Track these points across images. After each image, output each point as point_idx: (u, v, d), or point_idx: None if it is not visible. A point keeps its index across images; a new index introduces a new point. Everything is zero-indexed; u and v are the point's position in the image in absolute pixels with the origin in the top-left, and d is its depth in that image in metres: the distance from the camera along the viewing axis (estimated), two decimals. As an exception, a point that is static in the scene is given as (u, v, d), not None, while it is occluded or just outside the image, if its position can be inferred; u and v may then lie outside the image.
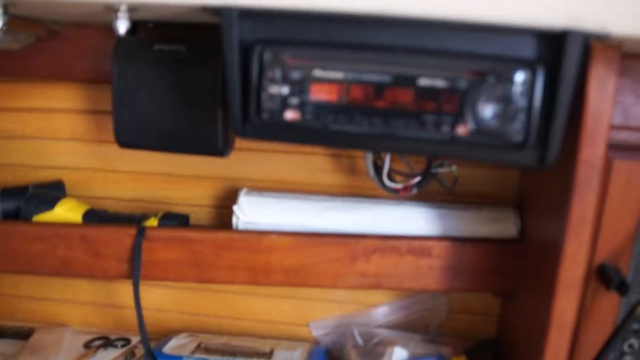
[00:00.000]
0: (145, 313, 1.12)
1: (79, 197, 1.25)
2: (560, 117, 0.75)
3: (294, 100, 0.79)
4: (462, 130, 0.77)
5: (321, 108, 0.79)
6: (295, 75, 0.79)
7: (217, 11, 0.77)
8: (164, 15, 0.93)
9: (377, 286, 1.10)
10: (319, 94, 0.79)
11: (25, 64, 1.15)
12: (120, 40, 1.03)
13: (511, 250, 1.08)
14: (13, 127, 1.26)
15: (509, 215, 1.12)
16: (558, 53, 0.73)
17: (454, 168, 1.07)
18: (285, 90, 0.79)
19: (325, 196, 1.16)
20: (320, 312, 1.29)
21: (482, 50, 0.76)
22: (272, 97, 0.79)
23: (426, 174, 1.06)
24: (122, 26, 0.86)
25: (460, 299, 1.26)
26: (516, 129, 0.75)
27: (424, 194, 1.11)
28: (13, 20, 0.87)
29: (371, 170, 1.06)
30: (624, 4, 0.68)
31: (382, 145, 0.81)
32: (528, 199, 1.10)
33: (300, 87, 0.79)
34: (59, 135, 1.25)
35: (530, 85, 0.74)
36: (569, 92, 0.74)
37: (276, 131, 0.83)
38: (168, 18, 0.98)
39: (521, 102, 0.75)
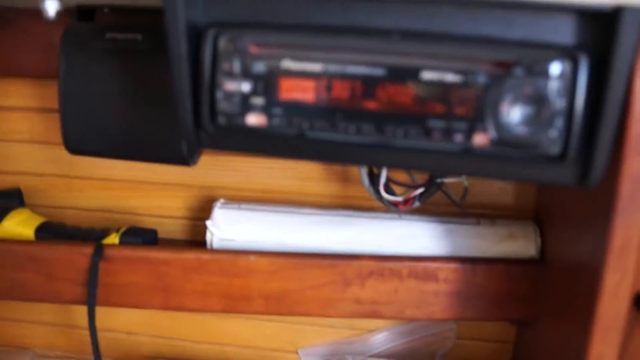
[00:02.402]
0: (112, 335, 1.00)
1: (37, 207, 1.07)
2: (609, 122, 0.55)
3: (258, 100, 0.58)
4: (480, 139, 0.55)
5: (294, 110, 0.58)
6: (260, 67, 0.57)
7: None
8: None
9: (374, 315, 0.92)
10: (291, 92, 0.57)
11: None
12: (68, 27, 0.84)
13: (530, 273, 0.90)
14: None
15: (527, 232, 0.93)
16: (607, 37, 0.53)
17: (463, 177, 0.86)
18: (246, 87, 0.58)
19: (313, 209, 0.97)
20: (310, 338, 1.10)
21: (507, 35, 0.55)
22: (230, 96, 0.58)
23: (430, 185, 0.86)
24: (50, 7, 0.66)
25: (471, 324, 1.07)
26: (552, 138, 0.55)
27: (427, 206, 0.92)
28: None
29: (365, 181, 0.86)
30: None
31: (374, 158, 0.60)
32: (550, 211, 0.91)
33: (266, 83, 0.58)
34: (15, 137, 1.06)
35: (570, 79, 0.54)
36: (621, 88, 0.54)
37: (236, 140, 0.61)
38: (121, 2, 0.78)
39: (559, 102, 0.54)
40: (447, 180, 0.86)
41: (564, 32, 0.55)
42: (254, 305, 0.91)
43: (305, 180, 1.02)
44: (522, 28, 0.55)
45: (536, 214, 0.97)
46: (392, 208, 0.88)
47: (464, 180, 0.87)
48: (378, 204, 0.89)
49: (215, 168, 1.02)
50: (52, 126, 1.03)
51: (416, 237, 0.92)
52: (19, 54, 0.95)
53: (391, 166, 0.74)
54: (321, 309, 0.91)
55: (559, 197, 0.86)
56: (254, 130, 0.59)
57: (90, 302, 0.90)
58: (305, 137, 0.58)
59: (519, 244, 0.91)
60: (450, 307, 0.90)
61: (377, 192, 0.86)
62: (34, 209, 1.04)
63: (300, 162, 1.00)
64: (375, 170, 0.86)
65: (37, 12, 0.89)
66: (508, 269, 0.89)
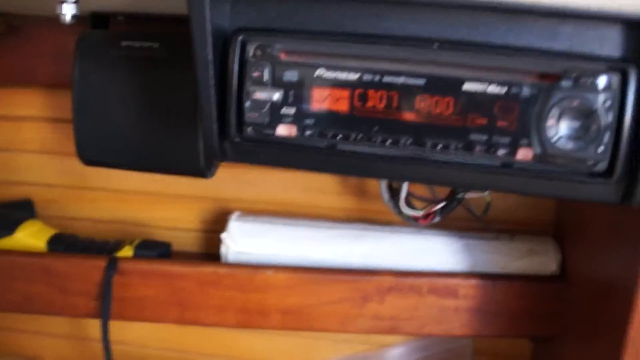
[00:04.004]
0: (124, 348, 0.95)
1: (49, 218, 1.01)
2: (658, 138, 0.50)
3: (289, 110, 0.53)
4: (523, 154, 0.50)
5: (326, 121, 0.53)
6: (291, 76, 0.52)
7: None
8: (128, 2, 0.67)
9: (392, 331, 0.87)
10: (324, 101, 0.52)
11: None
12: (83, 34, 0.79)
13: (551, 290, 0.86)
14: (-27, 138, 1.02)
15: (547, 247, 0.88)
16: None
17: (485, 193, 0.81)
18: (277, 96, 0.52)
19: (330, 222, 0.92)
20: (326, 353, 1.05)
21: (552, 46, 0.51)
22: (259, 105, 0.52)
23: (451, 199, 0.81)
24: (67, 12, 0.61)
25: (487, 340, 1.01)
26: (599, 154, 0.50)
27: (445, 220, 0.86)
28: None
29: (385, 195, 0.80)
30: None
31: (411, 173, 0.55)
32: (571, 227, 0.86)
33: (297, 92, 0.53)
34: (27, 147, 1.01)
35: (619, 93, 0.49)
36: None
37: (265, 152, 0.56)
38: (136, 8, 0.73)
39: (607, 116, 0.49)
40: (468, 195, 0.81)
41: (612, 43, 0.50)
42: (270, 321, 0.86)
43: (320, 193, 0.97)
44: (568, 39, 0.50)
45: (556, 229, 0.92)
46: (411, 222, 0.83)
47: (486, 195, 0.82)
48: (394, 217, 0.84)
49: (229, 180, 0.97)
50: (64, 136, 0.98)
51: (435, 252, 0.87)
52: (31, 63, 0.91)
53: (429, 182, 0.69)
54: (339, 325, 0.86)
55: (581, 213, 0.81)
56: (283, 142, 0.54)
57: (104, 317, 0.85)
58: (337, 150, 0.53)
59: (539, 260, 0.86)
60: (469, 324, 0.85)
61: (398, 206, 0.81)
62: (46, 220, 0.98)
63: (315, 175, 0.95)
64: (395, 185, 0.81)
65: (49, 20, 0.84)
66: (528, 285, 0.85)
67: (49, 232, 0.93)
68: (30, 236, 0.92)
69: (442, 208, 0.81)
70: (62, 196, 1.02)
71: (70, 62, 0.83)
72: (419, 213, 0.82)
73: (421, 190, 0.83)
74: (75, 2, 0.60)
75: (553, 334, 0.86)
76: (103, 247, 0.91)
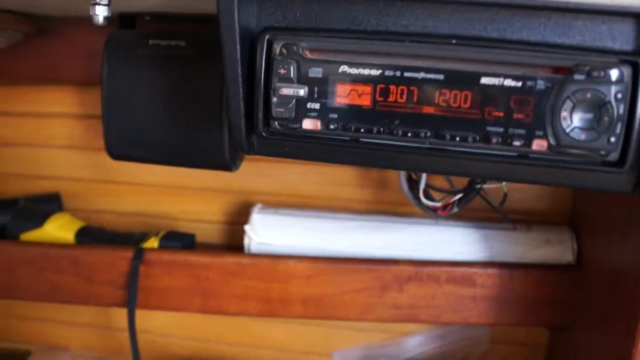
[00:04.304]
0: (148, 337, 0.97)
1: (75, 211, 1.04)
2: (668, 128, 0.52)
3: (314, 105, 0.55)
4: (539, 145, 0.52)
5: (350, 115, 0.56)
6: (316, 72, 0.55)
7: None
8: (157, 3, 0.69)
9: (411, 319, 0.90)
10: (347, 97, 0.55)
11: (12, 64, 0.96)
12: (112, 34, 0.82)
13: (567, 279, 0.87)
14: (3, 134, 1.05)
15: (563, 237, 0.90)
16: None
17: (502, 183, 0.83)
18: (302, 92, 0.55)
19: (350, 214, 0.94)
20: (344, 341, 1.07)
21: (565, 41, 0.53)
22: (285, 101, 0.55)
23: (469, 190, 0.82)
24: (100, 14, 0.64)
25: (504, 328, 1.02)
26: (611, 144, 0.52)
27: (462, 211, 0.87)
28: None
29: (405, 186, 0.82)
30: None
31: (431, 164, 0.57)
32: (587, 217, 0.88)
33: (321, 88, 0.55)
34: (55, 143, 1.04)
35: (631, 85, 0.51)
36: None
37: (290, 146, 0.59)
38: (163, 8, 0.76)
39: (619, 108, 0.51)
40: (486, 186, 0.83)
41: (623, 37, 0.52)
42: (292, 309, 0.89)
43: (340, 185, 0.99)
44: (581, 33, 0.53)
45: (572, 219, 0.94)
46: (430, 213, 0.85)
47: (503, 186, 0.84)
48: (413, 209, 0.86)
49: (251, 174, 0.99)
50: (91, 132, 1.01)
51: (453, 242, 0.89)
52: (60, 62, 0.94)
53: (448, 172, 0.71)
54: (359, 314, 0.88)
55: (597, 203, 0.83)
56: (309, 136, 0.57)
57: (131, 305, 0.88)
58: (360, 142, 0.56)
59: (555, 249, 0.88)
60: (486, 312, 0.88)
61: (417, 197, 0.83)
62: (73, 213, 1.02)
63: (334, 167, 0.97)
64: (414, 176, 0.83)
65: (77, 21, 0.88)
66: (545, 274, 0.87)
67: (76, 225, 0.97)
68: (59, 229, 0.95)
69: (460, 199, 0.84)
70: (88, 190, 1.05)
71: (98, 61, 0.86)
72: (437, 204, 0.84)
73: (440, 181, 0.85)
74: (107, 5, 0.62)
75: (569, 322, 0.87)
76: (129, 239, 0.94)
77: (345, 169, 0.98)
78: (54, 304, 1.07)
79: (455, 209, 0.84)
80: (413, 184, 0.83)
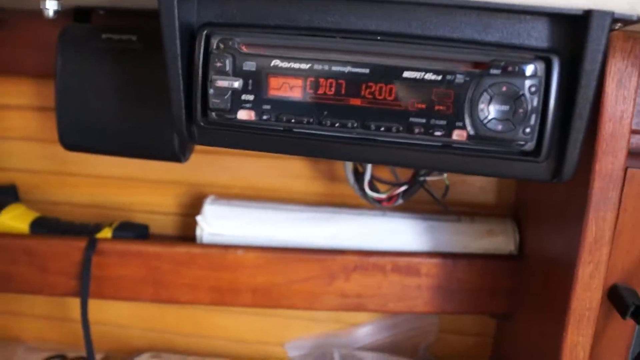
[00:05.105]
0: (105, 329, 1.00)
1: (31, 202, 1.08)
2: (581, 120, 0.57)
3: (248, 97, 0.60)
4: (459, 135, 0.57)
5: (282, 107, 0.60)
6: (250, 66, 0.59)
7: (151, -14, 0.58)
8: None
9: (358, 308, 0.94)
10: (279, 89, 0.60)
11: None
12: (65, 28, 0.85)
13: (509, 268, 0.92)
14: (-43, 125, 1.07)
15: (505, 228, 0.95)
16: (578, 39, 0.56)
17: (444, 176, 0.88)
18: (237, 84, 0.59)
19: (300, 205, 0.99)
20: (297, 331, 1.11)
21: (484, 37, 0.58)
22: (221, 92, 0.60)
23: (413, 183, 0.88)
24: (50, 7, 0.68)
25: (452, 318, 1.08)
26: (527, 135, 0.57)
27: (410, 204, 0.93)
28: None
29: (351, 178, 0.87)
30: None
31: (358, 153, 0.62)
32: (528, 209, 0.93)
33: (255, 80, 0.60)
34: (11, 134, 1.07)
35: (544, 79, 0.56)
36: (591, 87, 0.56)
37: (227, 135, 0.63)
38: (118, 4, 0.80)
39: (533, 100, 0.56)
40: (429, 178, 0.88)
41: (538, 35, 0.57)
42: (241, 298, 0.92)
43: (292, 178, 1.03)
44: (499, 31, 0.57)
45: (515, 211, 0.99)
46: (376, 205, 0.90)
47: (445, 179, 0.89)
48: (363, 202, 0.91)
49: (205, 166, 1.03)
50: (47, 124, 1.04)
51: (399, 233, 0.93)
52: (16, 53, 0.97)
53: (375, 161, 0.76)
54: (307, 302, 0.92)
55: (536, 196, 0.88)
56: (244, 126, 0.61)
57: (84, 295, 0.91)
58: (292, 132, 0.61)
59: (498, 240, 0.93)
60: (432, 301, 0.92)
61: (362, 189, 0.88)
62: (29, 204, 1.05)
63: (287, 160, 1.02)
64: (360, 168, 0.88)
65: (35, 14, 0.90)
66: (488, 264, 0.91)
67: (31, 216, 1.00)
68: (13, 219, 0.98)
69: (405, 191, 0.89)
70: (44, 181, 1.08)
71: (53, 53, 0.90)
72: (382, 196, 0.89)
73: (385, 174, 0.90)
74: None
75: (512, 310, 0.92)
76: (83, 230, 0.97)
77: (297, 162, 1.02)
78: (8, 296, 1.10)
79: (400, 201, 0.89)
80: (359, 176, 0.88)
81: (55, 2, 0.68)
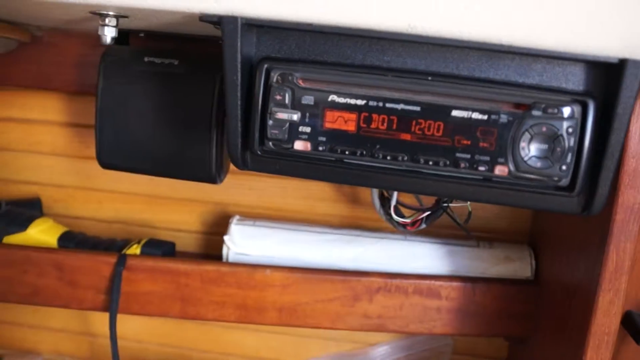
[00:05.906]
0: (122, 344, 1.00)
1: (56, 217, 1.11)
2: (612, 159, 0.64)
3: (305, 129, 0.66)
4: (500, 170, 0.63)
5: (336, 139, 0.66)
6: (308, 100, 0.65)
7: (217, 20, 0.63)
8: (158, 24, 0.78)
9: (380, 329, 0.98)
10: (334, 122, 0.65)
11: (4, 70, 1.02)
12: (108, 49, 0.90)
13: (525, 293, 0.97)
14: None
15: (523, 254, 1.00)
16: (612, 85, 0.62)
17: (467, 203, 0.93)
18: (295, 116, 0.65)
19: (324, 227, 1.03)
20: (314, 350, 1.16)
21: (526, 80, 0.65)
22: (280, 124, 0.65)
23: (437, 208, 0.92)
24: (108, 35, 0.73)
25: (466, 340, 1.13)
26: (563, 172, 0.63)
27: (429, 228, 0.97)
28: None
29: (377, 203, 0.92)
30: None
31: (406, 184, 0.67)
32: (544, 236, 0.99)
33: (312, 113, 0.66)
34: (38, 149, 1.11)
35: (580, 121, 0.63)
36: (623, 130, 0.63)
37: (282, 163, 0.69)
38: (161, 28, 0.84)
39: (570, 140, 0.63)
40: (452, 204, 0.93)
41: (575, 79, 0.63)
42: (267, 317, 0.96)
43: (316, 200, 1.08)
44: (540, 75, 0.64)
45: (531, 238, 1.04)
46: (400, 229, 0.95)
47: (468, 205, 0.95)
48: (383, 224, 0.95)
49: (230, 186, 1.07)
50: (75, 139, 1.09)
51: (420, 256, 0.99)
52: (49, 70, 1.01)
53: (421, 192, 0.81)
54: (331, 322, 0.97)
55: (553, 224, 0.93)
56: (299, 155, 0.67)
57: (113, 310, 0.95)
58: (343, 163, 0.66)
59: (515, 265, 0.98)
60: (450, 323, 0.97)
61: (388, 214, 0.93)
62: (52, 218, 1.07)
63: (311, 183, 1.06)
64: (385, 194, 0.93)
65: (68, 32, 0.96)
66: (505, 288, 0.96)
67: (59, 230, 1.03)
68: (42, 233, 1.02)
69: (428, 216, 0.93)
70: (69, 196, 1.12)
71: (86, 71, 0.95)
72: (407, 220, 0.94)
73: (409, 199, 0.95)
74: (115, 27, 0.71)
75: (527, 333, 0.96)
76: (111, 245, 1.02)
77: (321, 185, 1.07)
78: (26, 308, 1.14)
79: (424, 226, 0.94)
80: (385, 201, 0.93)
81: (114, 29, 0.73)
